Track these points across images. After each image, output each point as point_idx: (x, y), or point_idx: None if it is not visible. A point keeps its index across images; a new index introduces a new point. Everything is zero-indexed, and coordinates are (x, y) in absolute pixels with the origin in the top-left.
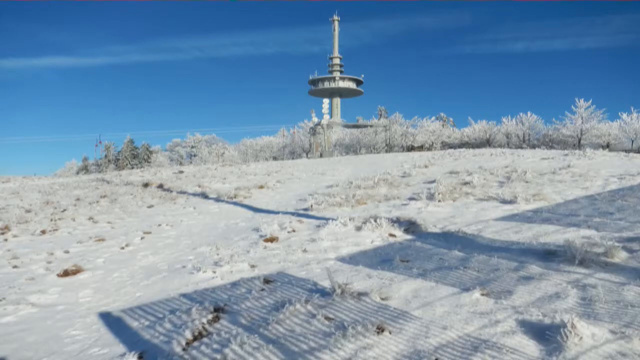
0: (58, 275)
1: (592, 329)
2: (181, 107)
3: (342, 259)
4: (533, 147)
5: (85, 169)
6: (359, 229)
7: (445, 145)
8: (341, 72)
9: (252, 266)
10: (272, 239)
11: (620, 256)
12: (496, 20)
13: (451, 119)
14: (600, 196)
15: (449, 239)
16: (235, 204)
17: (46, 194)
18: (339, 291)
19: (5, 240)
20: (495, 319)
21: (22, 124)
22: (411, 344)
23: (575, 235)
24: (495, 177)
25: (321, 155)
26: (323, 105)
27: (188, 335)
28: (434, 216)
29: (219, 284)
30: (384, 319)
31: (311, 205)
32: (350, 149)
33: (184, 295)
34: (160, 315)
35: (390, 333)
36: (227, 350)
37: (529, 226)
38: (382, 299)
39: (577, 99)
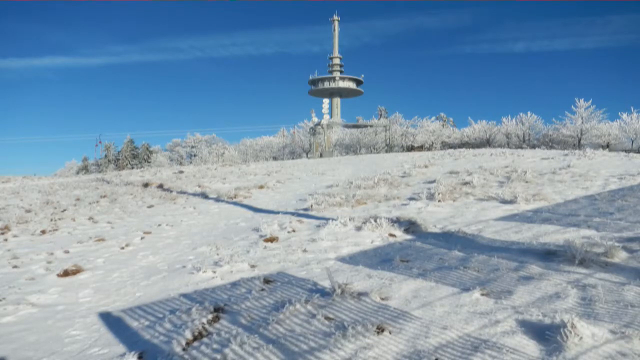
0: (58, 275)
1: (592, 329)
2: (181, 107)
3: (342, 259)
4: (533, 147)
5: (85, 169)
6: (359, 229)
7: (445, 145)
8: (341, 72)
9: (252, 266)
10: (272, 239)
11: (620, 256)
12: (496, 20)
13: (451, 119)
14: (600, 196)
15: (449, 239)
16: (235, 204)
17: (46, 194)
18: (339, 291)
19: (5, 240)
20: (495, 319)
21: (22, 124)
22: (411, 344)
23: (575, 235)
24: (495, 177)
25: (321, 155)
26: (323, 105)
27: (188, 335)
28: (434, 216)
29: (219, 284)
30: (384, 319)
31: (311, 205)
32: (350, 149)
33: (184, 295)
34: (160, 315)
35: (390, 333)
36: (227, 350)
37: (529, 226)
38: (382, 299)
39: (577, 99)
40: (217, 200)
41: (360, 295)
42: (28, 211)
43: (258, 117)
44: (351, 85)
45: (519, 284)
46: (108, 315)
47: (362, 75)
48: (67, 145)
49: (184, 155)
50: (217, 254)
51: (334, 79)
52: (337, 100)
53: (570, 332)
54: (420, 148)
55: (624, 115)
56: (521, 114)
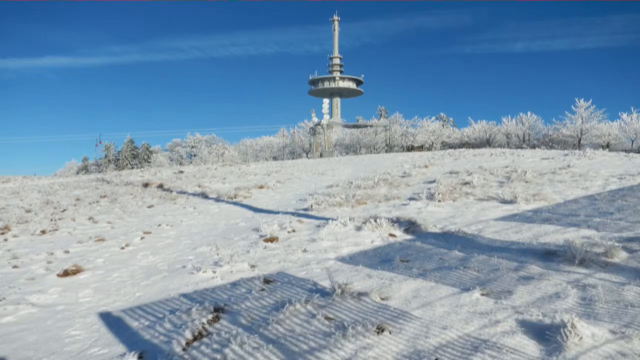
0: (58, 275)
1: (592, 329)
2: (181, 107)
3: (342, 259)
4: (533, 147)
5: (85, 169)
6: (359, 229)
7: (445, 145)
8: (341, 72)
9: (252, 266)
10: (272, 239)
11: (620, 256)
12: (496, 20)
13: (451, 119)
14: (600, 196)
15: (449, 239)
16: (235, 204)
17: (46, 194)
18: (339, 291)
19: (5, 240)
20: (495, 319)
21: (22, 124)
22: (411, 344)
23: (575, 235)
24: (495, 177)
25: (321, 155)
26: (323, 106)
27: (188, 335)
28: (434, 216)
29: (219, 284)
30: (384, 319)
31: (311, 205)
32: (350, 149)
33: (184, 295)
34: (160, 315)
35: (390, 333)
36: (227, 350)
37: (529, 226)
38: (382, 299)
39: (577, 99)
40: (217, 200)
41: (360, 295)
42: (28, 211)
43: (258, 117)
44: (351, 85)
45: (519, 284)
46: (108, 315)
47: (362, 75)
48: (67, 145)
49: (184, 155)
50: (217, 254)
51: (334, 79)
52: (337, 100)
53: (570, 332)
54: (420, 148)
55: (624, 115)
56: (521, 114)
